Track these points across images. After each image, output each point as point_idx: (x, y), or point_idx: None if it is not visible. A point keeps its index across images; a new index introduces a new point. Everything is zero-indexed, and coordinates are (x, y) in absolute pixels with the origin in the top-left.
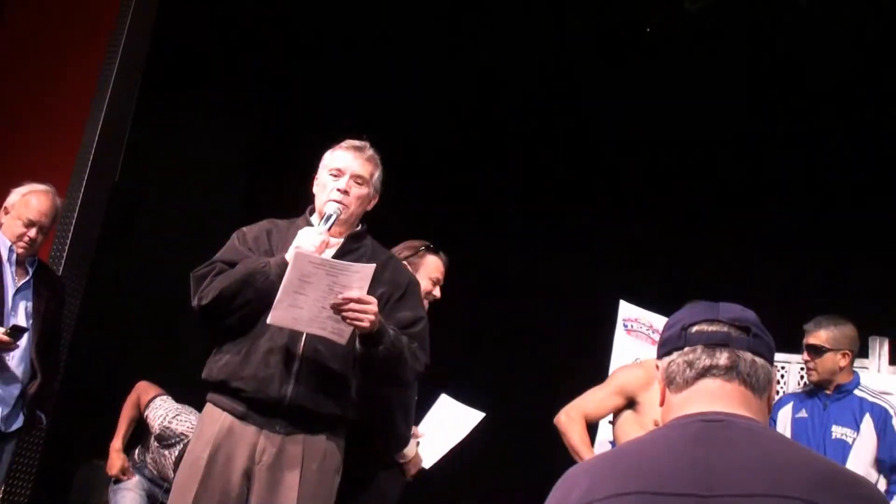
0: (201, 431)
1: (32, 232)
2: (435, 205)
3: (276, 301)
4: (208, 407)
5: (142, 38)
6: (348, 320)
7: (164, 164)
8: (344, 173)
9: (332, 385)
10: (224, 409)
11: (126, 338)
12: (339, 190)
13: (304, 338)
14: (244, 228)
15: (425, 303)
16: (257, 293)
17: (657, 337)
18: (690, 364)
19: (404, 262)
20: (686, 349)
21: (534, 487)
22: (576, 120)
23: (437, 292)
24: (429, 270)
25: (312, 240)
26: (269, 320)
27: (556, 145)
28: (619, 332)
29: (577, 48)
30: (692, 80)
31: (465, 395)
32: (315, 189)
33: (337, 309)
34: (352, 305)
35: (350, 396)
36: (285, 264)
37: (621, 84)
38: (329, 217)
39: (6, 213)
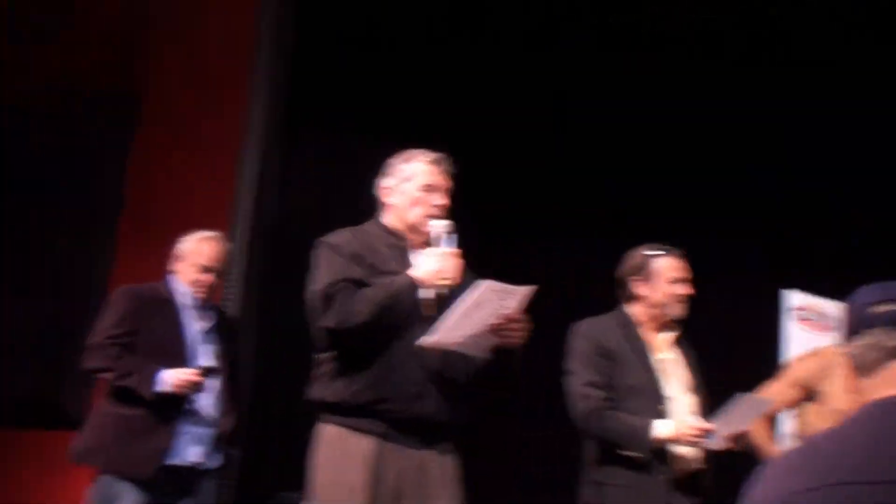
0: (343, 457)
1: (208, 277)
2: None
3: (444, 325)
4: (337, 430)
5: (283, 73)
6: (507, 339)
7: (322, 198)
8: (437, 189)
9: (458, 396)
10: (361, 431)
11: (303, 374)
12: (439, 206)
13: (427, 352)
14: (331, 241)
15: (679, 305)
16: (401, 315)
17: (829, 323)
18: (876, 346)
19: (632, 278)
20: (870, 331)
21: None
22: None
23: (679, 289)
24: (662, 276)
25: (452, 263)
26: (424, 342)
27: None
28: (791, 322)
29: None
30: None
31: None
32: (393, 198)
33: (497, 329)
34: (512, 325)
35: (468, 404)
36: (412, 283)
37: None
38: (450, 235)
39: (180, 260)
